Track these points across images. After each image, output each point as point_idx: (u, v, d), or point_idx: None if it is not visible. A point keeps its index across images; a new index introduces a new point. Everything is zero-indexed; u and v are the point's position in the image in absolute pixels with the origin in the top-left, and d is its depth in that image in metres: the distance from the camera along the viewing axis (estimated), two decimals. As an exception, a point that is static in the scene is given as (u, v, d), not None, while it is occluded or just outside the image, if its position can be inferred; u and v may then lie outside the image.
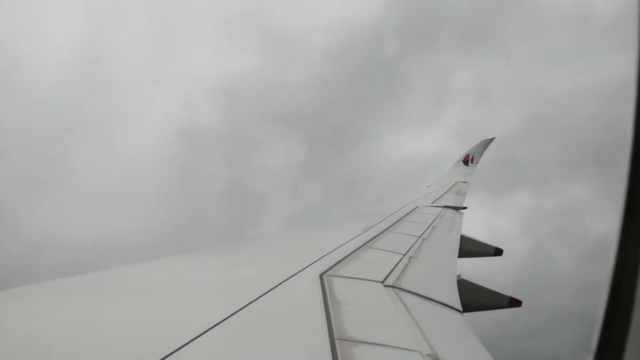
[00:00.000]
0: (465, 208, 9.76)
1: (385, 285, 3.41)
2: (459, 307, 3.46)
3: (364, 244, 4.78)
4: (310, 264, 3.63)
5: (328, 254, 4.09)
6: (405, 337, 2.45)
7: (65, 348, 1.87)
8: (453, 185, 12.77)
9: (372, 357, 2.10)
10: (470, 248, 7.40)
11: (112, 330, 2.13)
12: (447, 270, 4.81)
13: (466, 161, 16.26)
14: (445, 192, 11.53)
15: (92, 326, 2.17)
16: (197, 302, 2.71)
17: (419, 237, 5.86)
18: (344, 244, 4.63)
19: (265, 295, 2.72)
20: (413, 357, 2.17)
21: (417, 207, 8.56)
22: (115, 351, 1.88)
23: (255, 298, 2.62)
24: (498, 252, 8.04)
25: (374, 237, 5.25)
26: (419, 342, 2.37)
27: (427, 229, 6.65)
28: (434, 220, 7.48)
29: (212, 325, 2.14)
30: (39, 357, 1.77)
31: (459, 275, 4.72)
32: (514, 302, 5.29)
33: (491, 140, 17.37)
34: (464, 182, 13.58)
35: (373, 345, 2.23)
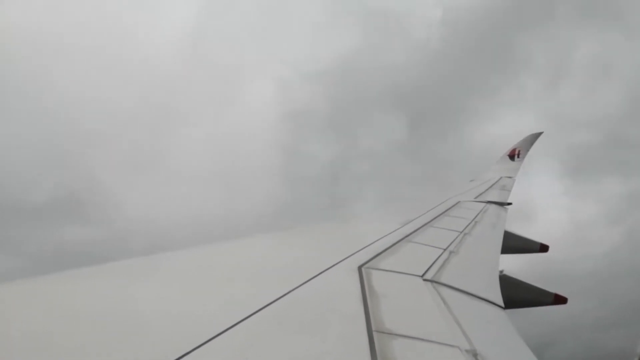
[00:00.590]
0: (510, 204, 9.51)
1: (425, 280, 3.38)
2: (501, 302, 3.39)
3: (404, 238, 4.74)
4: (349, 256, 3.63)
5: (367, 246, 4.08)
6: (444, 331, 2.42)
7: (106, 331, 1.95)
8: (497, 181, 12.46)
9: (409, 351, 2.09)
10: (514, 244, 7.24)
11: (152, 315, 2.21)
12: (488, 266, 4.71)
13: (512, 156, 15.81)
14: (489, 187, 11.27)
15: (131, 311, 2.26)
16: (236, 290, 2.77)
17: (461, 232, 5.76)
18: (383, 236, 4.61)
19: (303, 285, 2.75)
20: (452, 352, 2.15)
21: (459, 202, 8.40)
22: (155, 335, 1.94)
23: (294, 287, 2.66)
24: (544, 248, 7.83)
25: (414, 231, 5.20)
26: (457, 337, 2.34)
27: (469, 224, 6.52)
28: (476, 216, 7.33)
29: (251, 312, 2.18)
30: (80, 338, 1.86)
31: (501, 271, 4.62)
32: (559, 299, 5.15)
33: (539, 134, 16.81)
34: (510, 177, 13.22)
35: (411, 339, 2.22)
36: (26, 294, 2.36)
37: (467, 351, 2.16)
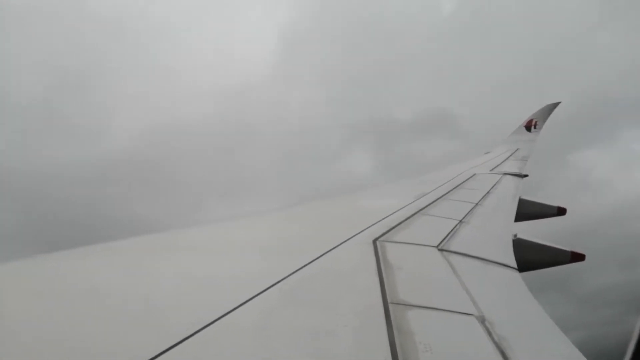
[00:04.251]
0: (526, 175, 9.41)
1: (440, 250, 3.40)
2: (514, 265, 3.42)
3: (419, 211, 4.75)
4: (364, 229, 3.65)
5: (382, 219, 4.10)
6: (459, 300, 2.45)
7: (124, 305, 2.00)
8: (514, 152, 12.30)
9: (425, 321, 2.11)
10: (531, 210, 7.24)
11: (172, 289, 2.26)
12: (502, 231, 4.72)
13: (529, 127, 15.53)
14: (505, 159, 11.15)
15: (151, 284, 2.32)
16: (255, 264, 2.82)
17: (476, 204, 5.74)
18: (398, 210, 4.62)
19: (320, 259, 2.78)
20: (467, 320, 2.17)
21: (474, 174, 8.34)
22: (175, 309, 1.99)
23: (310, 261, 2.69)
24: (561, 211, 7.80)
25: (429, 204, 5.19)
26: (474, 305, 2.36)
27: (484, 196, 6.49)
28: (492, 188, 7.29)
29: (270, 285, 2.23)
30: (104, 309, 1.92)
31: (515, 235, 4.62)
32: (577, 257, 5.16)
33: (556, 104, 16.44)
34: (527, 148, 13.04)
35: (427, 309, 2.24)
36: (59, 270, 2.44)
37: (476, 317, 2.19)
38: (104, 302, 2.02)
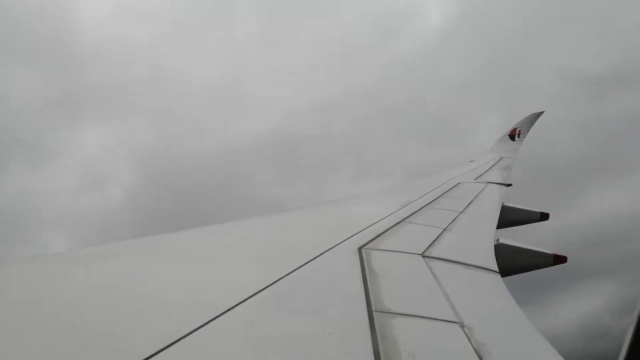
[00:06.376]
0: (509, 185, 9.52)
1: (425, 257, 3.44)
2: (496, 269, 3.48)
3: (404, 219, 4.79)
4: (349, 237, 3.68)
5: (367, 227, 4.13)
6: (443, 307, 2.47)
7: (111, 310, 1.99)
8: (498, 161, 12.45)
9: (410, 329, 2.13)
10: (514, 217, 7.34)
11: (157, 294, 2.25)
12: (484, 237, 4.79)
13: (512, 135, 15.75)
14: (489, 168, 11.28)
15: (135, 290, 2.31)
16: (239, 271, 2.82)
17: (460, 212, 5.81)
18: (383, 218, 4.65)
19: (304, 266, 2.79)
20: (452, 328, 2.20)
21: (459, 183, 8.43)
22: (160, 314, 1.99)
23: (295, 268, 2.70)
24: (544, 216, 7.91)
25: (414, 212, 5.24)
26: (456, 312, 2.39)
27: (469, 204, 6.57)
28: (476, 196, 7.38)
29: (254, 292, 2.23)
30: (94, 312, 1.92)
31: (497, 240, 4.68)
32: (559, 259, 5.22)
33: (540, 114, 16.73)
34: (511, 157, 13.21)
35: (412, 317, 2.26)
36: (49, 273, 2.43)
37: (459, 325, 2.22)
38: (88, 305, 2.01)
